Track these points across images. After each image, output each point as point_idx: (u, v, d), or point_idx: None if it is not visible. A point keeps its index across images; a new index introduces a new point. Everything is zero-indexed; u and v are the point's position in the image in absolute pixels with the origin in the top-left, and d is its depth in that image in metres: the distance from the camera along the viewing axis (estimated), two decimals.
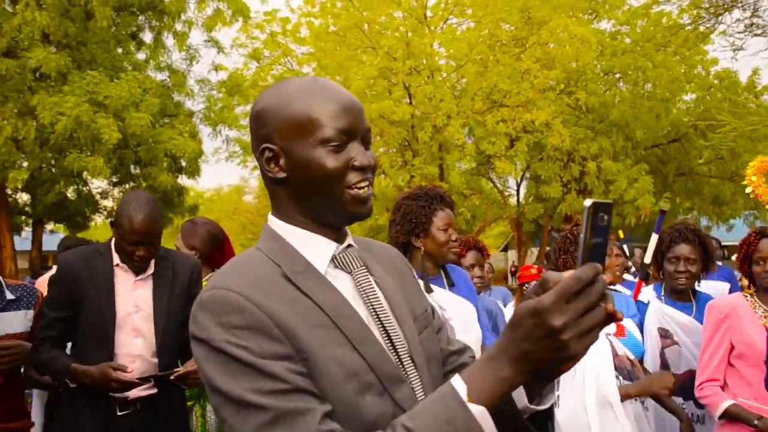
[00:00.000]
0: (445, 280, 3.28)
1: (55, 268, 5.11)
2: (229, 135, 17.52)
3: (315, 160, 1.29)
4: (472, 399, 1.06)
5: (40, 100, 12.67)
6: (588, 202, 1.06)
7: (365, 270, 1.39)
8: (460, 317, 3.12)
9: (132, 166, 15.86)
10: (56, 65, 12.81)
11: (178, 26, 16.53)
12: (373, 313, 1.34)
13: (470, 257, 4.45)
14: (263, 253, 1.33)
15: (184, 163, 16.07)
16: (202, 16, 16.45)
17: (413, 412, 1.12)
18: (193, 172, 16.54)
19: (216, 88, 16.66)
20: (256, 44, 19.16)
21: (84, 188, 16.85)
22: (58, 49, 13.97)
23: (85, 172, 13.78)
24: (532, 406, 1.26)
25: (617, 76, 19.67)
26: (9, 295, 3.37)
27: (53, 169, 14.94)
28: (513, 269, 30.96)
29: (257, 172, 19.27)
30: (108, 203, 17.98)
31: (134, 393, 2.89)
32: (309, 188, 1.32)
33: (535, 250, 25.36)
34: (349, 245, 1.39)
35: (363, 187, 1.32)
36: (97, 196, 17.65)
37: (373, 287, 1.37)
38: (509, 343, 1.05)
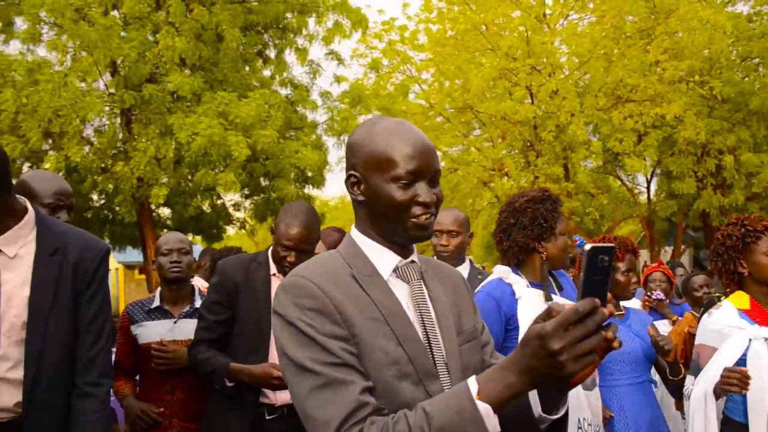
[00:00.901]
0: (554, 285, 3.19)
1: (197, 279, 5.42)
2: None
3: (386, 192, 1.55)
4: (481, 397, 1.28)
5: (175, 121, 13.50)
6: (588, 247, 1.23)
7: (421, 283, 1.64)
8: None
9: (261, 179, 16.52)
10: (190, 87, 13.61)
11: (300, 41, 17.08)
12: (420, 320, 1.58)
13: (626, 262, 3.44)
14: (341, 255, 1.62)
15: (310, 174, 16.54)
16: (322, 29, 16.92)
17: (433, 399, 1.36)
18: (319, 182, 17.01)
19: (338, 99, 17.06)
20: (375, 54, 19.43)
21: (218, 201, 17.71)
22: (192, 72, 14.83)
23: (218, 187, 14.49)
24: (545, 415, 1.43)
25: (755, 61, 18.30)
26: (199, 304, 3.47)
27: (190, 185, 15.80)
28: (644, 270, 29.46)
29: None
30: (240, 215, 18.81)
31: (283, 399, 2.97)
32: (380, 212, 1.59)
33: (669, 249, 24.01)
34: (412, 261, 1.64)
35: (425, 218, 1.56)
36: (231, 209, 18.51)
37: (425, 298, 1.62)
38: (519, 357, 1.26)
